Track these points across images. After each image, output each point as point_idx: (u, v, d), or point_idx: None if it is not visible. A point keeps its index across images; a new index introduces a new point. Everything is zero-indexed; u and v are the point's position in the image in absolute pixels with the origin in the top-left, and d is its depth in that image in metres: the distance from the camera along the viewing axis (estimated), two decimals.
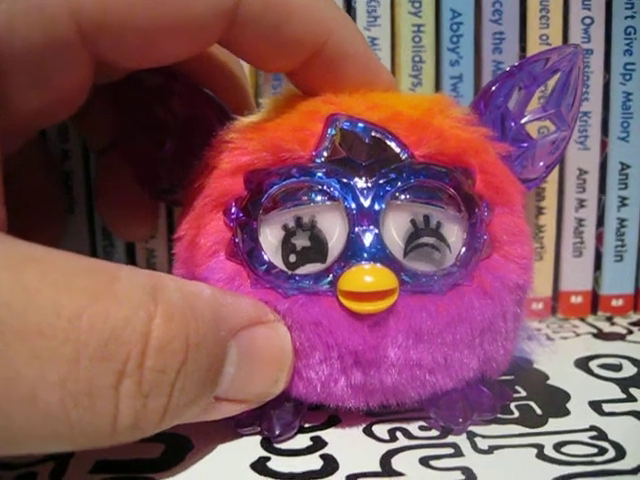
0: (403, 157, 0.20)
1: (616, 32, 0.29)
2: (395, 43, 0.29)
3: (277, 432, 0.20)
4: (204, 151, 0.22)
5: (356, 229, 0.20)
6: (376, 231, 0.20)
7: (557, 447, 0.20)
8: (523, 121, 0.24)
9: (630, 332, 0.30)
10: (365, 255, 0.19)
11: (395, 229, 0.20)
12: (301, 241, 0.20)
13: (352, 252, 0.20)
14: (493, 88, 0.23)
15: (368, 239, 0.20)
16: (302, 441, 0.20)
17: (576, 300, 0.32)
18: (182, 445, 0.20)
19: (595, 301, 0.32)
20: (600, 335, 0.30)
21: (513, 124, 0.23)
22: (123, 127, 0.25)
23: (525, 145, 0.24)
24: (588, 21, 0.29)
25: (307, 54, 0.21)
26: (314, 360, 0.20)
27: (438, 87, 0.30)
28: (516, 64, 0.23)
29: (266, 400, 0.20)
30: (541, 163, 0.24)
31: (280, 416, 0.21)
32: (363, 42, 0.23)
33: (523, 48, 0.29)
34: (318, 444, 0.20)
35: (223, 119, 0.23)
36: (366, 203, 0.20)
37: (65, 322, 0.15)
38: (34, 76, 0.18)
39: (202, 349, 0.17)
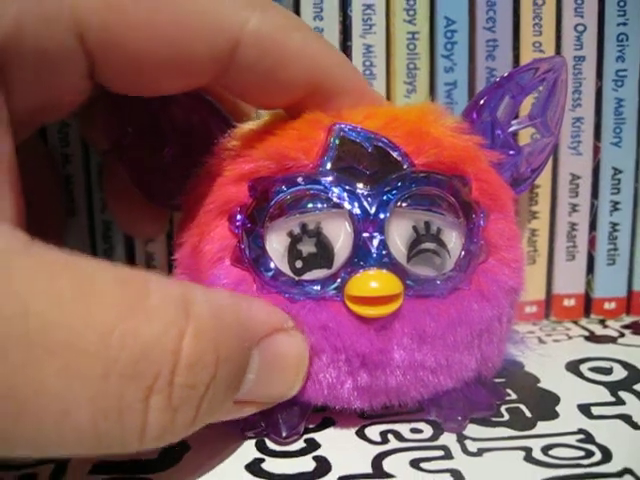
0: (404, 166, 0.21)
1: (608, 39, 0.30)
2: (390, 50, 0.29)
3: (284, 434, 0.21)
4: (204, 158, 0.23)
5: (362, 235, 0.20)
6: (381, 237, 0.20)
7: (545, 450, 0.20)
8: (510, 129, 0.24)
9: (622, 335, 0.30)
10: (371, 261, 0.20)
11: (398, 235, 0.21)
12: (307, 247, 0.21)
13: (358, 258, 0.20)
14: (483, 100, 0.24)
15: (374, 245, 0.20)
16: (296, 443, 0.21)
17: (569, 303, 0.32)
18: (179, 447, 0.20)
19: (588, 304, 0.32)
20: (592, 338, 0.30)
21: (500, 132, 0.24)
22: (122, 131, 0.25)
23: (512, 152, 0.24)
24: (581, 28, 0.29)
25: (302, 95, 0.22)
26: (322, 363, 0.20)
27: (433, 94, 0.30)
28: (505, 75, 0.24)
29: (280, 401, 0.20)
30: (528, 169, 0.25)
31: (286, 419, 0.21)
32: (359, 78, 0.23)
33: (516, 55, 0.30)
34: (311, 446, 0.21)
35: (223, 126, 0.23)
36: (371, 210, 0.20)
37: (96, 337, 0.15)
38: (38, 74, 0.19)
39: (230, 361, 0.17)
